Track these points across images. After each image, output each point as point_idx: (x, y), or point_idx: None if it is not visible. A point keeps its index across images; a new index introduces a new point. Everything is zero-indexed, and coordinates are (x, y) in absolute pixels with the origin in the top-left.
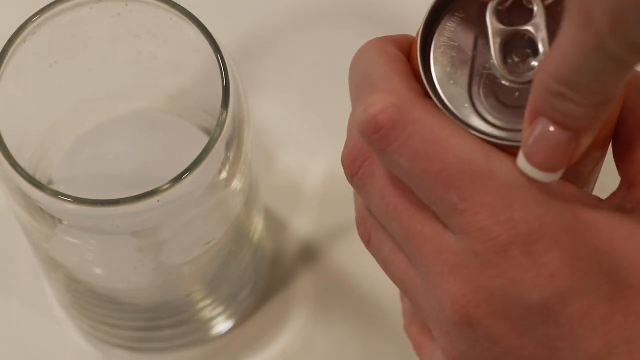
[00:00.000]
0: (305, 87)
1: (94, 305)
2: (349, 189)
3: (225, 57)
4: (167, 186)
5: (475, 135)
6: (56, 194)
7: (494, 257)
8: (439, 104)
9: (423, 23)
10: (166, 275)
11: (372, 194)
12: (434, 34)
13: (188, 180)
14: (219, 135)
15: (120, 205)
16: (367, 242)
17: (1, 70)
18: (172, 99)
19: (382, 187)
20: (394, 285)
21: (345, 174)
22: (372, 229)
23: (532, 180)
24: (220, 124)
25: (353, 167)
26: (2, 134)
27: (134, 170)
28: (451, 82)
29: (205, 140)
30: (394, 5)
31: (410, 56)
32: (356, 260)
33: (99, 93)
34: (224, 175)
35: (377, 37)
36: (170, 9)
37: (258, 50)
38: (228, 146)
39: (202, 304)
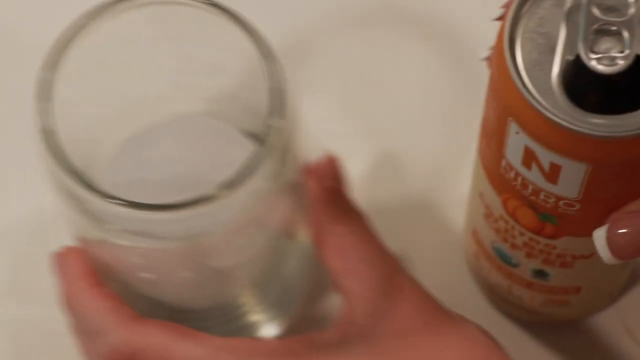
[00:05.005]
0: (342, 90)
1: (140, 310)
2: (385, 192)
3: (278, 61)
4: (219, 192)
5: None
6: (107, 197)
7: None
8: (522, 89)
9: (513, 8)
10: (213, 279)
11: None
12: (522, 19)
13: (240, 187)
14: (272, 141)
15: (173, 210)
16: None
17: (53, 75)
18: (215, 101)
19: None
20: None
21: None
22: None
23: None
24: (272, 130)
25: None
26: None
27: (178, 174)
28: (536, 67)
29: (248, 143)
30: (434, 9)
31: (497, 40)
32: None
33: (144, 96)
34: (273, 181)
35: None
36: (218, 11)
37: (296, 54)
38: (279, 152)
39: (249, 309)
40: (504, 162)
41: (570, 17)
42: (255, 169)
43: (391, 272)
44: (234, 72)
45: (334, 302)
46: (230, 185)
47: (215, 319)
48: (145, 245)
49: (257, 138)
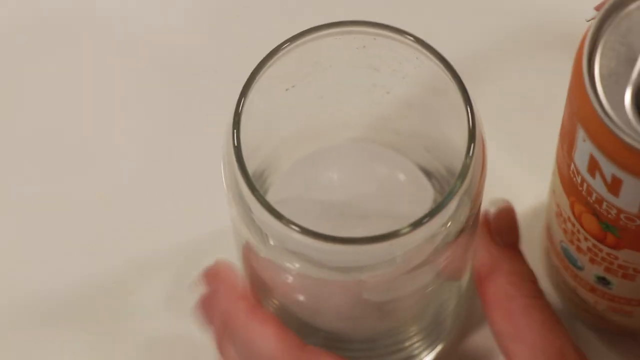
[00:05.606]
0: (513, 122)
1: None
2: None
3: (475, 106)
4: (405, 230)
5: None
6: (289, 223)
7: None
8: (592, 96)
9: (600, 14)
10: (370, 312)
11: None
12: (608, 26)
13: (426, 227)
14: (466, 182)
15: (354, 245)
16: None
17: (246, 96)
18: (394, 133)
19: None
20: None
21: None
22: None
23: None
24: (469, 172)
25: None
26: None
27: (342, 198)
28: (612, 77)
29: (421, 177)
30: None
31: (580, 44)
32: None
33: (324, 120)
34: (453, 222)
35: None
36: (419, 47)
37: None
38: (465, 194)
39: (403, 343)
40: (572, 166)
41: None
42: (443, 210)
43: (562, 344)
44: (421, 107)
45: (485, 338)
46: (415, 224)
47: (369, 350)
48: (300, 267)
49: (427, 173)
